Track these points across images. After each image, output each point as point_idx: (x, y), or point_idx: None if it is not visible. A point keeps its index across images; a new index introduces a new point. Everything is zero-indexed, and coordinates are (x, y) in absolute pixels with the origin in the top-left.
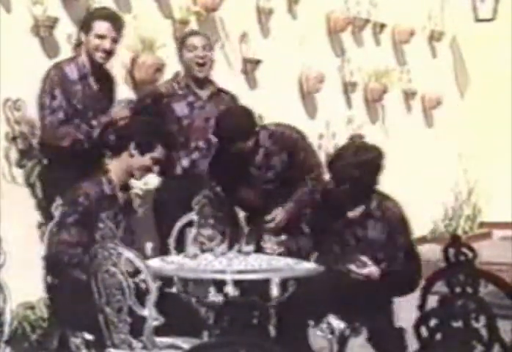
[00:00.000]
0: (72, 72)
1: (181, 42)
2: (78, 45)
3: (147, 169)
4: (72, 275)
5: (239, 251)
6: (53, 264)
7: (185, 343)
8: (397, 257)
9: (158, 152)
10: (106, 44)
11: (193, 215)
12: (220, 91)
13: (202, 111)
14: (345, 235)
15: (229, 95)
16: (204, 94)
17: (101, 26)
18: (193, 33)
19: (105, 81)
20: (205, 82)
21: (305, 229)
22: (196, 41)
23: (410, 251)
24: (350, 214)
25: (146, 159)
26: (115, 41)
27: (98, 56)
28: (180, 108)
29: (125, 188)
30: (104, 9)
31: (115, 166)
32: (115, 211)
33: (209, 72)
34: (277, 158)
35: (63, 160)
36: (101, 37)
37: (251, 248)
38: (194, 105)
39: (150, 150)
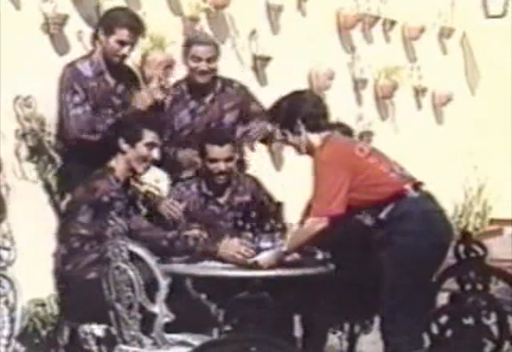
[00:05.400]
0: (87, 70)
1: (186, 48)
2: (94, 38)
3: (146, 159)
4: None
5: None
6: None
7: (195, 340)
8: None
9: (149, 136)
10: (125, 50)
11: None
12: (224, 86)
13: (203, 117)
14: None
15: (237, 86)
16: (206, 98)
17: (123, 34)
18: (198, 41)
19: (125, 75)
20: (207, 85)
21: None
22: (201, 52)
23: None
24: None
25: (140, 148)
26: (133, 45)
27: (115, 59)
28: (183, 116)
29: (127, 185)
30: (128, 13)
31: (117, 165)
32: (123, 208)
33: (211, 76)
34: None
35: (77, 156)
36: (122, 43)
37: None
38: (195, 112)
39: (138, 138)
